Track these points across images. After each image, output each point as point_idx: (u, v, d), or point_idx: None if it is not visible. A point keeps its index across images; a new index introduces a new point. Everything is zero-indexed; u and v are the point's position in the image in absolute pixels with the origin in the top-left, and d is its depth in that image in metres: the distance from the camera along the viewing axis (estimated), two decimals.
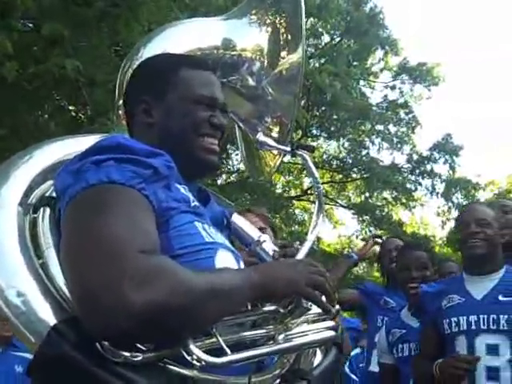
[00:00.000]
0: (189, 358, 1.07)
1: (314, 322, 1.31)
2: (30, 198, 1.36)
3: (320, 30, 14.05)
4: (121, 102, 1.82)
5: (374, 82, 15.88)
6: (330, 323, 1.33)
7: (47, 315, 1.09)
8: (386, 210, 15.24)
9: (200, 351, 1.07)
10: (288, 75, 2.09)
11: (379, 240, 4.25)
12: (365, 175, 14.91)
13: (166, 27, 2.23)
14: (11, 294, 1.12)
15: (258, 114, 2.08)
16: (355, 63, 14.64)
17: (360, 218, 15.42)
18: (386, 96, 15.45)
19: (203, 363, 1.07)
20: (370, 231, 15.05)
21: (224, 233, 1.49)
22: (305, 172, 16.16)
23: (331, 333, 1.32)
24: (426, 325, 3.01)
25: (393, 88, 15.55)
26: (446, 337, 2.82)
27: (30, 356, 4.20)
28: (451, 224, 15.78)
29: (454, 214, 15.18)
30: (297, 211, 16.39)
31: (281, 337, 1.22)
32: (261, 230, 3.05)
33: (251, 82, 2.04)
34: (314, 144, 16.02)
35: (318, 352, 1.37)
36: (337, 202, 16.54)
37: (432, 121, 35.72)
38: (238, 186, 12.88)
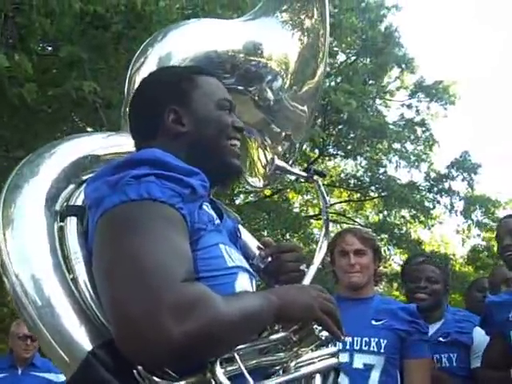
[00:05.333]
0: None
1: (317, 348, 1.33)
2: (55, 204, 1.34)
3: (335, 48, 14.09)
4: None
5: (391, 100, 15.84)
6: (334, 349, 1.36)
7: (82, 337, 1.09)
8: (404, 228, 15.14)
9: (227, 381, 1.09)
10: (306, 92, 2.06)
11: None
12: (382, 193, 14.84)
13: (176, 26, 2.13)
14: (48, 312, 1.12)
15: (268, 127, 2.06)
16: (371, 82, 14.63)
17: (378, 237, 15.31)
18: (402, 114, 15.40)
19: None
20: (389, 250, 14.96)
21: (237, 245, 1.49)
22: None
23: (335, 360, 1.35)
24: (494, 336, 2.95)
25: (409, 106, 15.50)
26: None
27: (49, 376, 4.23)
28: (471, 242, 15.63)
29: (474, 231, 15.06)
30: (315, 230, 16.33)
31: (292, 364, 1.26)
32: (358, 252, 3.00)
33: (269, 94, 1.99)
34: (331, 163, 16.02)
35: (317, 375, 1.37)
36: (355, 221, 16.43)
37: (449, 138, 35.54)
38: (256, 206, 12.89)
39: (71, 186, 1.42)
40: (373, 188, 15.37)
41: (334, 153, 15.62)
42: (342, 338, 1.32)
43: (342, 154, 15.34)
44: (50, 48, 6.31)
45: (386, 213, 15.45)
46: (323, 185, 1.67)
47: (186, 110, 1.46)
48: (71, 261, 1.23)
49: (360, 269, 2.99)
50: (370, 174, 15.25)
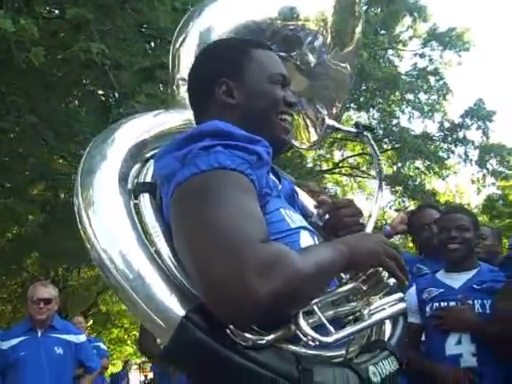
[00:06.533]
0: (304, 339, 1.14)
1: (384, 294, 1.37)
2: (127, 183, 1.39)
3: None
4: (178, 76, 1.82)
5: (403, 50, 15.64)
6: (401, 295, 1.39)
7: (174, 304, 1.15)
8: (418, 179, 15.12)
9: (312, 331, 1.14)
10: (348, 51, 2.04)
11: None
12: (396, 145, 14.78)
13: (211, 1, 2.12)
14: (140, 284, 1.18)
15: (316, 92, 2.05)
16: (383, 32, 14.43)
17: (393, 189, 15.33)
18: (415, 64, 15.23)
19: (316, 342, 1.14)
20: (404, 202, 14.97)
21: (295, 207, 1.54)
22: (335, 145, 16.10)
23: (403, 304, 1.39)
24: None
25: (422, 56, 15.30)
26: None
27: (68, 337, 4.31)
28: (486, 191, 15.60)
29: (489, 180, 15.01)
30: (329, 185, 16.34)
31: (366, 312, 1.30)
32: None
33: (311, 57, 1.96)
34: (344, 116, 15.92)
35: (387, 321, 1.44)
36: (369, 174, 16.44)
37: (463, 87, 35.09)
38: None
39: (137, 165, 1.46)
40: (386, 140, 15.30)
41: (347, 106, 15.49)
42: (407, 282, 1.36)
43: (355, 106, 15.24)
44: (56, 11, 6.25)
45: (399, 164, 15.43)
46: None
47: (237, 82, 1.46)
48: (151, 235, 1.27)
49: None
50: (383, 125, 15.16)
